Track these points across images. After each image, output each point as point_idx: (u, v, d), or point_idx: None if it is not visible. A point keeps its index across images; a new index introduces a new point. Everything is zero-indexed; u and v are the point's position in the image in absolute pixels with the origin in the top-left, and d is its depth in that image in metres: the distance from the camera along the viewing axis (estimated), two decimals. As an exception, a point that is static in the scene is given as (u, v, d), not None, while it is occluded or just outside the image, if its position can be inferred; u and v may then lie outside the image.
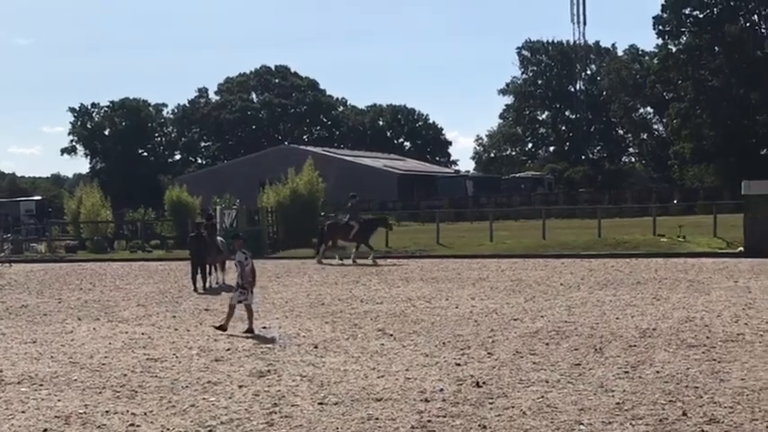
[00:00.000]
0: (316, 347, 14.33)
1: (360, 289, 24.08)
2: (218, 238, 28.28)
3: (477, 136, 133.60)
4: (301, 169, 46.53)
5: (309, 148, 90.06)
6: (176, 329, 17.03)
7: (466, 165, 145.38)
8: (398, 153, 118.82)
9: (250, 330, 16.01)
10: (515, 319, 16.94)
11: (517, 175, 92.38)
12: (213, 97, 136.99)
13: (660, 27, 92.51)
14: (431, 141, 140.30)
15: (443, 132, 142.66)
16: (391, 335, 15.46)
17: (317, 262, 34.56)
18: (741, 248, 33.14)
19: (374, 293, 22.76)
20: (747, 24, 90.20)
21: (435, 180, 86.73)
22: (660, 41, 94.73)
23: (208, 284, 25.79)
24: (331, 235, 35.75)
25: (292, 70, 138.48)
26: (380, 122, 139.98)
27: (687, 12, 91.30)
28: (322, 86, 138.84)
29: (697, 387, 10.68)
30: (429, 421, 9.52)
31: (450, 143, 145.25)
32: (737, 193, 36.90)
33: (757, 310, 17.41)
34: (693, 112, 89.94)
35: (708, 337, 14.20)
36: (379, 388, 11.14)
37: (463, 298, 21.06)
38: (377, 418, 9.69)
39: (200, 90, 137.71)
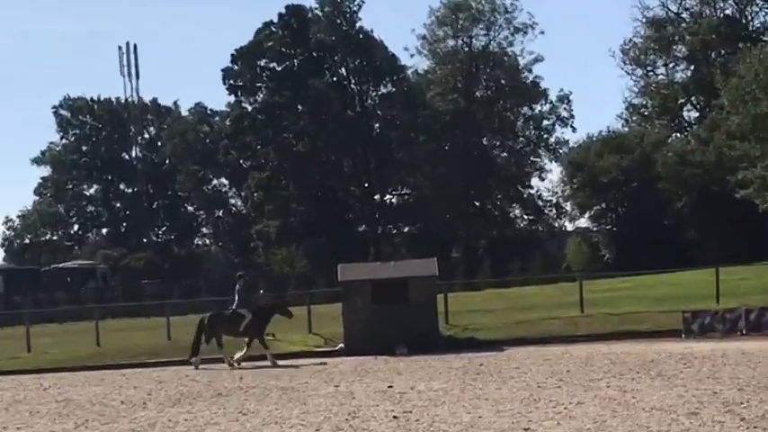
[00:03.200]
0: None
1: None
2: None
3: (7, 218, 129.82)
4: None
5: None
6: None
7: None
8: None
9: None
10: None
11: (61, 265, 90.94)
12: None
13: (231, 81, 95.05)
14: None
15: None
16: None
17: (194, 367, 31.90)
18: (341, 345, 34.32)
19: None
20: (334, 79, 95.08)
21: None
22: (233, 99, 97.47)
23: None
24: (213, 329, 32.60)
25: None
26: None
27: (263, 64, 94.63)
28: None
29: None
30: None
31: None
32: (334, 280, 38.29)
33: (363, 420, 17.97)
34: (277, 183, 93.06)
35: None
36: None
37: (-9, 429, 20.12)
38: None
39: None
